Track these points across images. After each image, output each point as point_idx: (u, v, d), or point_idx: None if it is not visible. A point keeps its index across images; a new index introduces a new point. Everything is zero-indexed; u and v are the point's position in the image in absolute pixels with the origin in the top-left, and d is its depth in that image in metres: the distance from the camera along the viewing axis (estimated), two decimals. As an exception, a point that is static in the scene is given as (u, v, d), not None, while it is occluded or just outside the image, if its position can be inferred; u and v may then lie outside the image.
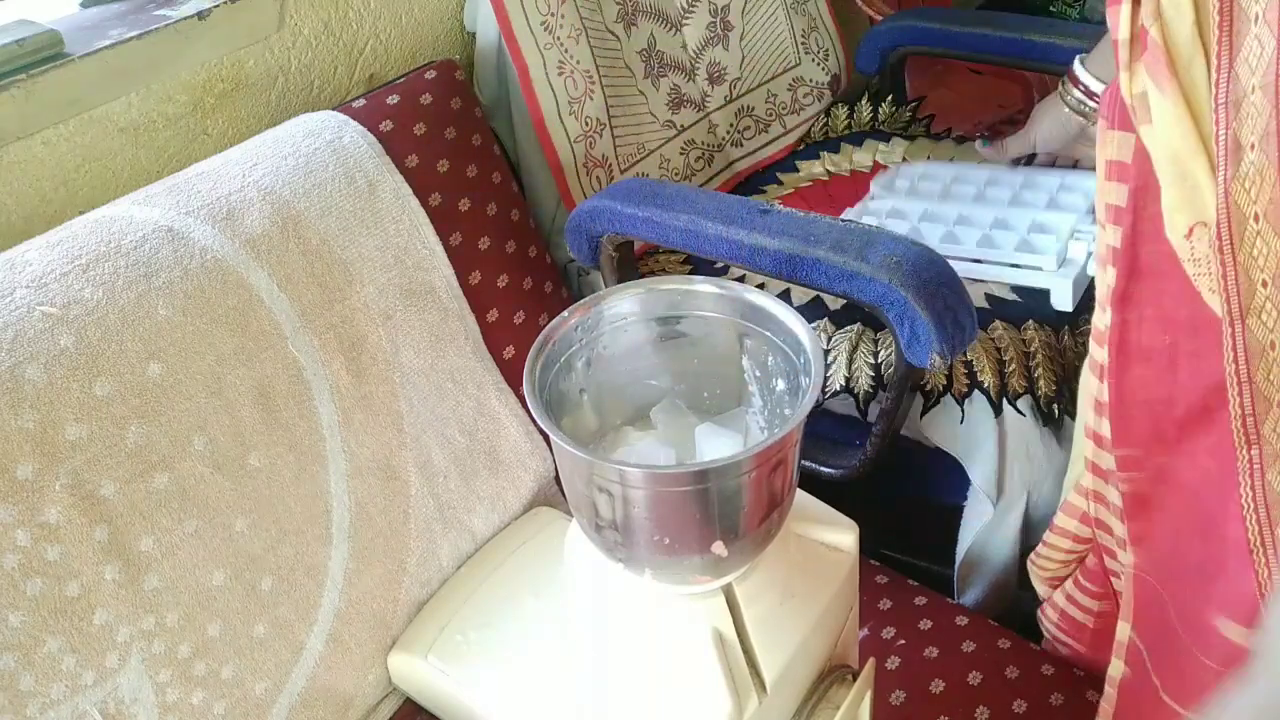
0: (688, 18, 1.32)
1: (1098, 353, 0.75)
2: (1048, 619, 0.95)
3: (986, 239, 1.09)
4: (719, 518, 0.56)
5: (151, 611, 0.73)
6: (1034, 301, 1.05)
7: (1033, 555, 0.94)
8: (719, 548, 0.57)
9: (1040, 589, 0.95)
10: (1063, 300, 1.04)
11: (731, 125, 1.37)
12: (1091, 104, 0.97)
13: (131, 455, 0.73)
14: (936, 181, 1.22)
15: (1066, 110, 1.02)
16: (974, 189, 1.19)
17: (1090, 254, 1.06)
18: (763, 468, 0.55)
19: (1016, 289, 1.06)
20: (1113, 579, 0.83)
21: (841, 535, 0.68)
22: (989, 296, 1.06)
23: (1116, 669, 0.77)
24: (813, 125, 1.46)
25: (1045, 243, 1.07)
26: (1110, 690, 0.78)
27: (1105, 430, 0.75)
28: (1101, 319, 0.73)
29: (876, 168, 1.37)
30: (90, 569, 0.71)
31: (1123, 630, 0.76)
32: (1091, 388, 0.77)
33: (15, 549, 0.68)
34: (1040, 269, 1.05)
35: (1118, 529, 0.77)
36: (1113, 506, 0.77)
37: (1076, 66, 0.99)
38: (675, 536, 0.57)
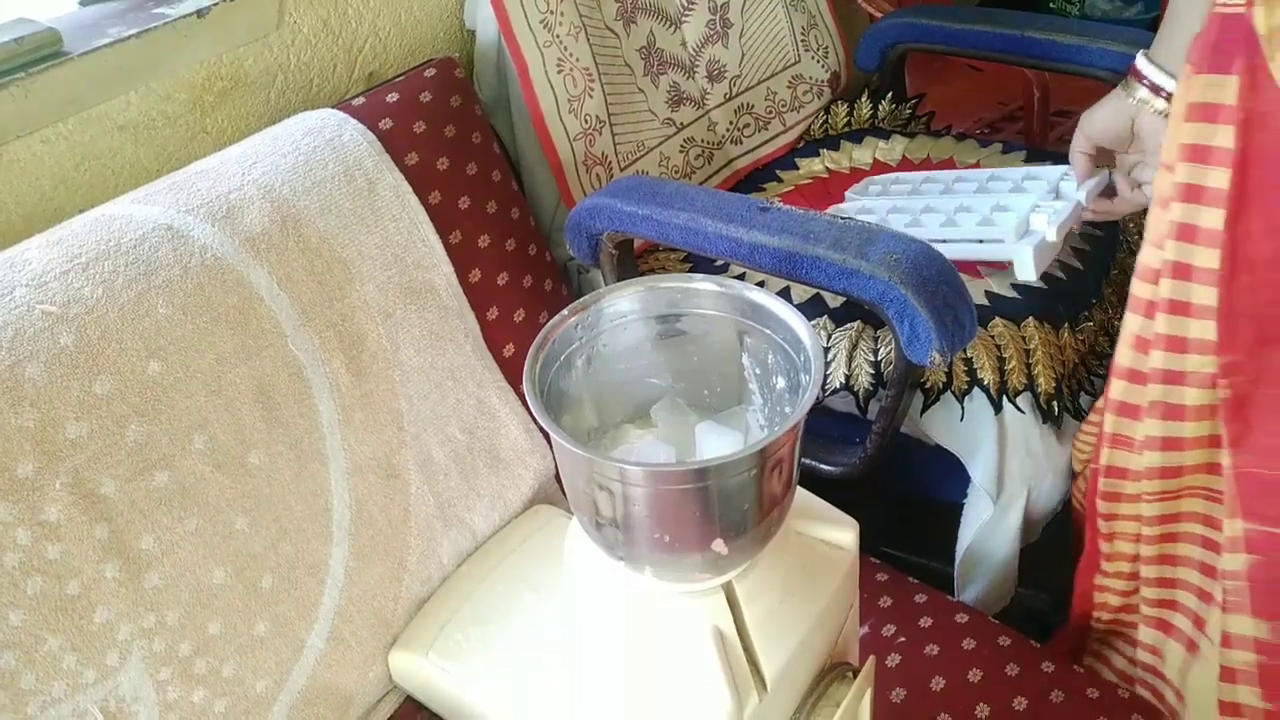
0: (687, 15, 1.31)
1: (1143, 289, 0.82)
2: (1078, 489, 1.06)
3: (950, 221, 1.08)
4: (719, 515, 0.56)
5: (152, 610, 0.73)
6: (1033, 299, 1.05)
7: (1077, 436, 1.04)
8: (719, 545, 0.57)
9: (1076, 466, 1.06)
10: (1025, 270, 1.02)
11: (731, 123, 1.37)
12: (1160, 100, 0.93)
13: (132, 453, 0.73)
14: (907, 184, 1.23)
15: (1130, 101, 0.95)
16: (941, 185, 1.20)
17: (1050, 223, 1.03)
18: (763, 465, 0.55)
19: (1017, 287, 1.06)
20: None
21: (841, 533, 0.68)
22: (989, 294, 1.06)
23: (1237, 562, 0.81)
24: (812, 123, 1.46)
25: (1006, 218, 1.06)
26: (1240, 584, 0.82)
27: (1144, 365, 0.82)
28: (1154, 257, 0.80)
29: (876, 165, 1.37)
30: (91, 567, 0.71)
31: (1234, 526, 0.81)
32: (1133, 325, 0.83)
33: (16, 547, 0.68)
34: (1001, 241, 1.04)
35: (1135, 461, 0.87)
36: (1137, 444, 0.87)
37: (1141, 62, 0.93)
38: (675, 534, 0.57)
